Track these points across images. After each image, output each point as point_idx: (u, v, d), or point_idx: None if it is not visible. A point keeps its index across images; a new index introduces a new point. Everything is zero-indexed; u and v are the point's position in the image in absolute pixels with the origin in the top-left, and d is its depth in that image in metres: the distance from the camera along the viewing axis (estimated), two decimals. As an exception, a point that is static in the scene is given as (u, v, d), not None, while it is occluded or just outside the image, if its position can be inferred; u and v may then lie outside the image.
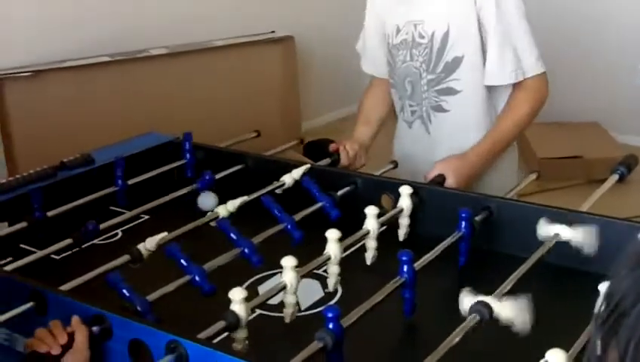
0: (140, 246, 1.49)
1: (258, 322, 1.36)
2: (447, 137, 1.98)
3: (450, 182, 1.84)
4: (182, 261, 1.39)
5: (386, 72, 2.11)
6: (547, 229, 1.52)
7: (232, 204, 1.69)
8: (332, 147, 2.09)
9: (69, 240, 1.60)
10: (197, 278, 1.37)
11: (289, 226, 1.61)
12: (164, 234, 1.53)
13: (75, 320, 1.23)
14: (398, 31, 2.01)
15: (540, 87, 1.95)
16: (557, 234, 1.50)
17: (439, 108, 2.00)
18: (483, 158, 1.94)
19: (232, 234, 1.50)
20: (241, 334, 1.24)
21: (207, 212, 1.73)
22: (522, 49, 1.90)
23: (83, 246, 1.64)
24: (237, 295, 1.23)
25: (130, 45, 3.58)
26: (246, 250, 1.48)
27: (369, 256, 1.57)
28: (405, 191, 1.69)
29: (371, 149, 2.17)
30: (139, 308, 1.28)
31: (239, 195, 1.76)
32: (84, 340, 1.20)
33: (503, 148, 1.99)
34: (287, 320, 1.35)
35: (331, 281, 1.47)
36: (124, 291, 1.31)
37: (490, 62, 1.90)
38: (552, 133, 4.59)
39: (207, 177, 1.89)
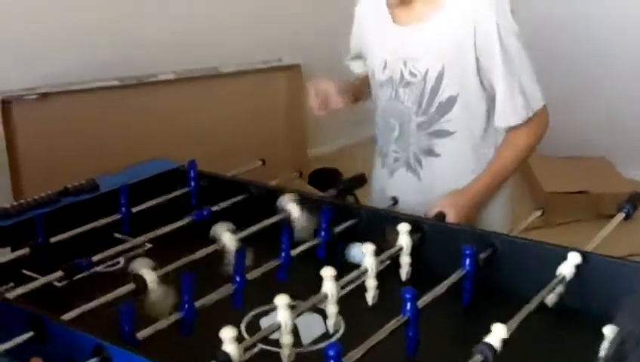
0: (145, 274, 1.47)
1: (259, 358, 1.34)
2: (440, 182, 1.92)
3: (451, 219, 1.80)
4: (185, 296, 1.38)
5: None
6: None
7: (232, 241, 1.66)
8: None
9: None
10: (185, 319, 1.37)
11: (283, 264, 1.60)
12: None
13: None
14: (385, 66, 1.96)
15: (541, 119, 1.90)
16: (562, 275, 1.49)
17: (430, 152, 1.95)
18: (483, 193, 1.91)
19: (237, 267, 1.49)
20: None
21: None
22: (528, 83, 1.86)
23: (78, 277, 1.62)
24: (227, 334, 1.21)
25: (138, 70, 3.59)
26: (237, 287, 1.47)
27: (369, 296, 1.53)
28: (404, 228, 1.64)
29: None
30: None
31: (242, 224, 1.75)
32: None
33: (503, 181, 1.95)
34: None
35: (330, 322, 1.44)
36: (126, 327, 1.30)
37: (501, 102, 1.85)
38: (559, 168, 4.59)
39: (204, 213, 1.88)
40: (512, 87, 1.84)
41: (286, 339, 1.32)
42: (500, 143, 1.93)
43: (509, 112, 1.86)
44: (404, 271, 1.65)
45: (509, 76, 1.83)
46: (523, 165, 2.03)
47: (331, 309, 1.43)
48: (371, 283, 1.53)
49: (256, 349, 1.31)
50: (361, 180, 2.10)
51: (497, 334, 1.21)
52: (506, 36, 1.81)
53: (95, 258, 1.64)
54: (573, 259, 1.50)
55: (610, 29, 4.76)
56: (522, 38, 1.85)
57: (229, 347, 1.20)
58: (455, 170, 1.94)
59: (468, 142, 1.93)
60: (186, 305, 1.37)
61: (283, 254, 1.60)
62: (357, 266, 1.54)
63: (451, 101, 1.89)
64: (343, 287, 1.44)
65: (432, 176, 1.97)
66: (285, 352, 1.33)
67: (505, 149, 1.92)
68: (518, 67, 1.84)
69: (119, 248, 1.71)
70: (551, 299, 1.52)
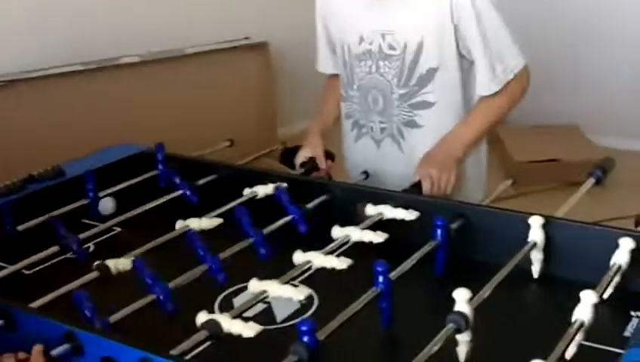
0: (109, 263, 1.46)
1: (234, 336, 1.33)
2: (421, 154, 1.92)
3: (427, 187, 1.81)
4: (147, 279, 1.37)
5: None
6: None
7: (207, 223, 1.66)
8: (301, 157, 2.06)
9: (42, 254, 1.57)
10: (160, 297, 1.35)
11: (257, 241, 1.58)
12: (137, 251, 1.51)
13: (35, 350, 1.19)
14: (362, 40, 1.95)
15: (520, 78, 1.91)
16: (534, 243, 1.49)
17: (412, 124, 1.96)
18: (466, 147, 1.91)
19: (199, 250, 1.47)
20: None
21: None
22: (505, 48, 1.87)
23: (55, 261, 1.62)
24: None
25: (102, 53, 3.54)
26: (213, 267, 1.45)
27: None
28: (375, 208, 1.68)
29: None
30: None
31: (212, 206, 1.74)
32: None
33: (482, 137, 1.97)
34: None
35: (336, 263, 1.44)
36: (86, 312, 1.28)
37: (480, 72, 1.87)
38: (530, 137, 4.61)
39: (188, 192, 1.87)
40: (491, 55, 1.85)
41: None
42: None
43: (490, 80, 1.88)
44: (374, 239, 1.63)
45: (486, 44, 1.85)
46: (491, 132, 2.04)
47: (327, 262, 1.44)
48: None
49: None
50: (330, 156, 2.10)
51: (461, 297, 1.20)
52: (480, 4, 1.83)
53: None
54: (539, 224, 1.50)
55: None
56: (496, 3, 1.86)
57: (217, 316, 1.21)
58: (435, 142, 1.93)
59: (449, 113, 1.95)
60: (156, 286, 1.36)
61: (251, 232, 1.59)
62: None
63: (431, 72, 1.90)
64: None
65: (413, 147, 1.98)
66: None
67: (477, 104, 1.93)
68: (494, 33, 1.85)
69: (88, 233, 1.69)
70: (535, 268, 1.52)
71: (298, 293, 1.34)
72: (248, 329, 1.21)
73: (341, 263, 1.43)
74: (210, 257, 1.47)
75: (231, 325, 1.22)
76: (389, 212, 1.65)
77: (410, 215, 1.63)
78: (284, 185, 1.79)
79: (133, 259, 1.46)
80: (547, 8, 4.87)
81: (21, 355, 1.20)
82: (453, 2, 1.83)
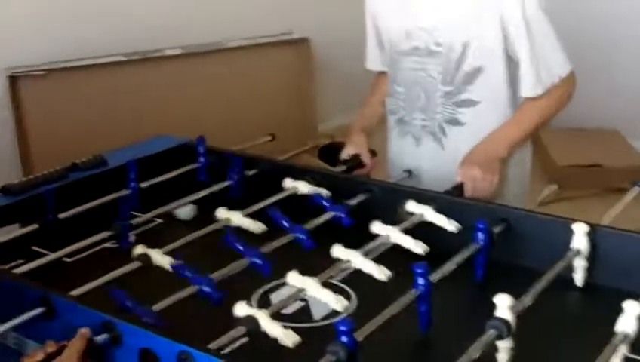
0: (151, 253, 1.46)
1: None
2: (463, 152, 1.90)
3: (469, 189, 1.79)
4: (187, 273, 1.37)
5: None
6: None
7: (251, 225, 1.64)
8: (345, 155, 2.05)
9: (82, 243, 1.58)
10: (205, 289, 1.35)
11: (300, 235, 1.57)
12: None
13: (80, 332, 1.20)
14: (407, 36, 1.95)
15: (566, 82, 1.91)
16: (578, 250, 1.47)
17: (455, 122, 1.95)
18: (510, 147, 1.91)
19: (239, 246, 1.47)
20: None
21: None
22: (552, 52, 1.86)
23: (96, 249, 1.63)
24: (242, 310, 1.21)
25: (144, 45, 3.56)
26: (255, 260, 1.45)
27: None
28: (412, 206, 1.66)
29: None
30: (145, 320, 1.26)
31: (252, 200, 1.74)
32: (73, 354, 1.18)
33: (526, 137, 1.96)
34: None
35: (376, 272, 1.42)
36: (128, 304, 1.29)
37: (525, 73, 1.86)
38: (571, 141, 4.55)
39: (235, 177, 1.89)
40: (537, 59, 1.85)
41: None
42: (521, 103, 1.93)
43: (534, 82, 1.87)
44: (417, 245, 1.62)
45: (533, 48, 1.84)
46: (536, 134, 2.02)
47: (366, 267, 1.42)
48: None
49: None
50: (374, 154, 2.10)
51: (503, 303, 1.19)
52: (529, 6, 1.82)
53: (105, 234, 1.63)
54: (584, 231, 1.48)
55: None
56: (544, 6, 1.85)
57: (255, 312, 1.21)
58: (479, 140, 1.92)
59: (493, 112, 1.94)
60: (200, 277, 1.36)
61: (294, 227, 1.58)
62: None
63: (477, 71, 1.89)
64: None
65: (454, 145, 1.96)
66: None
67: (523, 105, 1.92)
68: (541, 37, 1.85)
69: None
70: (578, 276, 1.50)
71: (337, 301, 1.32)
72: (287, 338, 1.20)
73: (380, 274, 1.41)
74: (252, 250, 1.47)
75: (271, 327, 1.21)
76: (431, 215, 1.64)
77: (450, 226, 1.61)
78: (324, 191, 1.78)
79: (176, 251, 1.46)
80: (587, 12, 4.81)
81: (49, 348, 1.20)
82: (502, 3, 1.82)
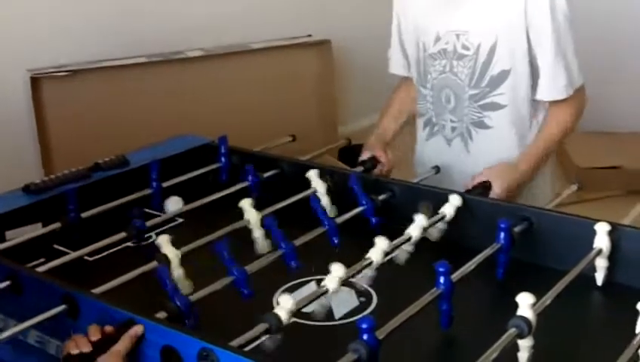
0: (169, 254, 1.47)
1: (291, 330, 1.33)
2: (486, 155, 1.92)
3: (497, 191, 1.80)
4: (228, 260, 1.38)
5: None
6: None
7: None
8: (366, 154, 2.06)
9: (105, 241, 1.60)
10: (239, 278, 1.37)
11: (330, 229, 1.60)
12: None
13: (133, 330, 1.21)
14: (438, 39, 1.96)
15: (580, 96, 1.94)
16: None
17: (481, 125, 1.96)
18: (532, 167, 1.91)
19: (276, 233, 1.49)
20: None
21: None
22: (571, 61, 1.88)
23: (117, 249, 1.64)
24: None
25: (166, 47, 3.58)
26: (287, 253, 1.47)
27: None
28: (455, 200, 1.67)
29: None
30: (181, 308, 1.28)
31: (274, 200, 1.74)
32: (121, 351, 1.18)
33: (548, 156, 1.96)
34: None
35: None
36: (168, 288, 1.30)
37: (544, 76, 1.88)
38: (591, 143, 4.52)
39: (250, 177, 1.89)
40: (558, 64, 1.86)
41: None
42: (546, 118, 1.95)
43: (552, 88, 1.89)
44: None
45: (556, 53, 1.86)
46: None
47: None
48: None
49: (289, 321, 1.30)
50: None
51: (525, 302, 1.18)
52: (556, 14, 1.84)
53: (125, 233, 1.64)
54: (606, 231, 1.47)
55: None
56: (570, 16, 1.87)
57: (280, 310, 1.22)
58: (503, 145, 1.94)
59: (516, 117, 1.94)
60: (234, 270, 1.37)
61: (326, 221, 1.61)
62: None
63: (503, 75, 1.90)
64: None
65: (479, 148, 1.97)
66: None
67: (551, 124, 1.94)
68: (564, 45, 1.87)
69: (150, 223, 1.71)
70: (599, 276, 1.49)
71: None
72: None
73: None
74: (285, 244, 1.48)
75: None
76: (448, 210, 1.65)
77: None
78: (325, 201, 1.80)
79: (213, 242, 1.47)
80: (611, 11, 4.78)
81: (93, 336, 1.21)
82: (530, 6, 1.83)
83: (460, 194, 1.69)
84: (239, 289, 1.37)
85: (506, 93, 1.91)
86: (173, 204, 1.82)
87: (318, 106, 4.14)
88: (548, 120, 1.94)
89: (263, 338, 1.21)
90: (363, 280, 1.44)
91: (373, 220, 1.71)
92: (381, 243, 1.44)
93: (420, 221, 1.56)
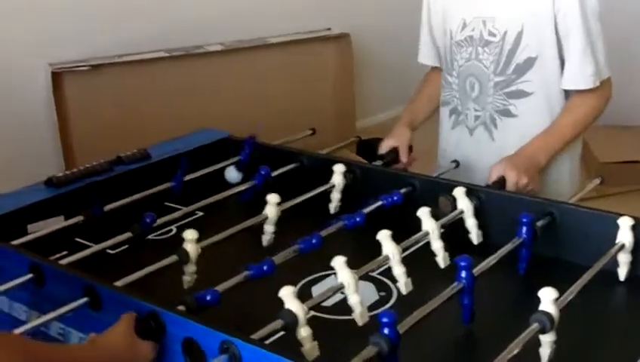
0: (189, 248, 1.47)
1: (311, 324, 1.33)
2: (513, 144, 1.89)
3: (511, 183, 1.77)
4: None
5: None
6: None
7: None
8: (385, 146, 2.05)
9: (126, 235, 1.60)
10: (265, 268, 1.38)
11: (349, 223, 1.60)
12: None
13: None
14: (464, 26, 1.95)
15: (606, 87, 1.91)
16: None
17: (506, 113, 1.94)
18: (542, 153, 1.88)
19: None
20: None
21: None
22: (599, 52, 1.87)
23: (139, 241, 1.64)
24: (287, 291, 1.22)
25: (187, 41, 3.58)
26: (313, 241, 1.48)
27: (440, 259, 1.52)
28: (460, 192, 1.65)
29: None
30: (208, 298, 1.28)
31: (294, 194, 1.75)
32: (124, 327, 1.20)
33: (562, 143, 1.93)
34: (360, 323, 1.31)
35: (401, 283, 1.41)
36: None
37: (572, 65, 1.86)
38: (612, 138, 4.49)
39: (262, 172, 1.88)
40: (586, 54, 1.85)
41: (355, 299, 1.31)
42: (564, 106, 1.93)
43: (579, 77, 1.87)
44: (475, 234, 1.64)
45: (585, 43, 1.84)
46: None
47: (398, 271, 1.41)
48: (437, 245, 1.52)
49: (308, 316, 1.30)
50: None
51: (547, 297, 1.18)
52: (586, 4, 1.83)
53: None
54: (629, 225, 1.46)
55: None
56: (599, 9, 1.86)
57: (293, 305, 1.21)
58: (529, 133, 1.91)
59: (544, 105, 1.93)
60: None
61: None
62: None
63: (529, 62, 1.89)
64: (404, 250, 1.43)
65: (505, 136, 1.96)
66: (357, 311, 1.31)
67: (567, 111, 1.91)
68: (593, 36, 1.86)
69: (171, 216, 1.71)
70: (622, 271, 1.48)
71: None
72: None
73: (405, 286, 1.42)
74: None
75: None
76: (468, 215, 1.64)
77: (477, 239, 1.63)
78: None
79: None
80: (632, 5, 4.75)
81: None
82: None
83: (469, 187, 1.68)
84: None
85: (533, 81, 1.90)
86: (234, 173, 1.91)
87: (337, 100, 4.14)
88: (570, 109, 1.91)
89: (280, 334, 1.21)
90: (404, 288, 1.43)
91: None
92: (384, 234, 1.42)
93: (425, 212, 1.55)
